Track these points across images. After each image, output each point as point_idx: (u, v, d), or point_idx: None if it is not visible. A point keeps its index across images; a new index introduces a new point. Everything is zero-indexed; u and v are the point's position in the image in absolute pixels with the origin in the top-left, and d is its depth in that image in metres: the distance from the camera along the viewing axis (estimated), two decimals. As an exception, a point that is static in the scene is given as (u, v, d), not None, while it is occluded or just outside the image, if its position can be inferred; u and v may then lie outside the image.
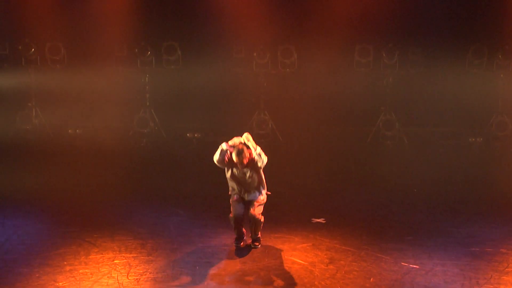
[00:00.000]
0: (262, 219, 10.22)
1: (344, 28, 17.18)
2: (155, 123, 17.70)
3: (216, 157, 10.10)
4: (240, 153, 9.80)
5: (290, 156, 16.33)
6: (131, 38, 17.52)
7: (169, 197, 13.31)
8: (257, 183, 10.15)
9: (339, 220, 11.80)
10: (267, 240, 10.60)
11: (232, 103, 17.68)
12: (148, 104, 17.82)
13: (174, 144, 17.39)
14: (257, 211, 10.13)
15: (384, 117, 17.30)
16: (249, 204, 10.18)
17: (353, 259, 9.98)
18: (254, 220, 10.14)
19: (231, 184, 10.25)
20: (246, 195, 10.20)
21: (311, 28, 17.32)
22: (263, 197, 10.24)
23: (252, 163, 9.96)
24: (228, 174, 10.19)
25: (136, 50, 17.42)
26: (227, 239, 10.54)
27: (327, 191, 13.77)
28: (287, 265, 9.74)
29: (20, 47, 17.44)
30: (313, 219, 11.80)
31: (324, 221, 11.69)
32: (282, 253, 10.14)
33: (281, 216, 11.86)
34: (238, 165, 9.91)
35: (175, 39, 17.44)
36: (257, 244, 10.33)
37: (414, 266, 9.72)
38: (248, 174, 10.05)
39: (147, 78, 17.77)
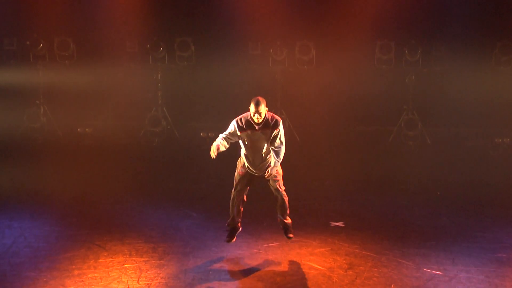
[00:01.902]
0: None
1: (365, 24, 17.16)
2: (168, 122, 17.75)
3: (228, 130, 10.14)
4: (258, 103, 9.70)
5: (308, 157, 16.34)
6: (143, 34, 17.58)
7: (181, 198, 13.34)
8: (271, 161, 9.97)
9: (358, 224, 11.79)
10: (284, 244, 10.61)
11: (248, 101, 17.61)
12: (160, 102, 17.87)
13: (187, 144, 17.43)
14: (282, 185, 10.12)
15: (406, 116, 17.27)
16: (262, 179, 10.07)
17: (373, 264, 9.97)
18: (281, 196, 10.15)
19: (243, 160, 10.09)
20: (258, 171, 10.04)
21: (330, 23, 17.32)
22: (280, 169, 10.13)
23: (270, 130, 9.77)
24: (243, 149, 10.03)
25: (148, 46, 17.47)
26: (242, 243, 10.54)
27: (346, 194, 13.76)
28: (304, 271, 9.74)
29: (28, 43, 17.51)
30: (331, 222, 11.80)
31: (343, 225, 11.68)
32: (299, 258, 10.15)
33: (298, 219, 11.83)
34: (254, 119, 9.75)
35: (188, 35, 17.48)
36: (291, 235, 10.29)
37: (437, 272, 9.70)
38: (264, 146, 9.85)
39: (159, 75, 17.82)
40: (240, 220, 10.31)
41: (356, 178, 15.01)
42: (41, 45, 17.54)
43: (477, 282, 9.39)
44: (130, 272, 9.67)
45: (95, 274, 9.58)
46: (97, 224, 11.69)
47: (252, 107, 9.74)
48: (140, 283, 9.32)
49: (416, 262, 10.04)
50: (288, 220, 10.31)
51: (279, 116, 10.02)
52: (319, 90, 17.64)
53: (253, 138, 9.85)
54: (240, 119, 9.94)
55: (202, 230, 11.39)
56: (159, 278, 9.46)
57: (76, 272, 9.65)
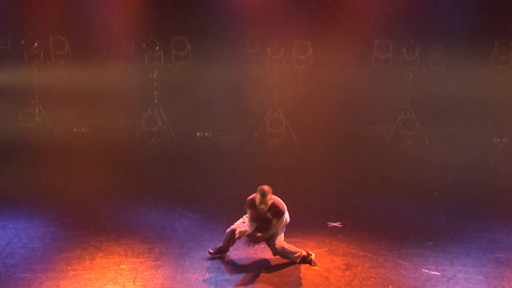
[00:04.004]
0: (286, 245, 9.99)
1: (362, 22, 17.16)
2: (164, 122, 17.74)
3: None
4: (264, 194, 9.58)
5: (305, 157, 16.34)
6: (139, 32, 17.54)
7: (178, 199, 13.33)
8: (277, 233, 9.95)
9: (356, 224, 11.80)
10: (281, 245, 10.61)
11: (245, 101, 17.71)
12: (156, 101, 17.86)
13: (184, 144, 17.43)
14: (278, 242, 9.91)
15: (404, 116, 17.28)
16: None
17: (370, 265, 9.98)
18: (282, 253, 9.97)
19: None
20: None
21: (328, 22, 17.30)
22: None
23: (276, 213, 9.80)
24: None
25: (144, 45, 17.44)
26: (239, 244, 10.53)
27: (343, 194, 13.76)
28: (301, 271, 9.75)
29: (22, 42, 17.46)
30: (329, 223, 11.81)
31: (340, 225, 11.69)
32: (296, 259, 10.16)
33: (295, 219, 11.80)
34: (259, 208, 9.73)
35: (184, 34, 17.46)
36: (310, 258, 10.09)
37: (435, 273, 9.72)
38: (270, 221, 9.87)
39: (155, 75, 17.80)
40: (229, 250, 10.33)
41: (354, 178, 15.01)
42: (36, 44, 17.49)
43: (475, 282, 9.41)
44: (126, 273, 9.68)
45: (91, 275, 9.59)
46: (92, 224, 11.69)
47: (258, 197, 9.67)
48: (136, 284, 9.33)
49: (414, 262, 10.06)
50: (300, 255, 10.08)
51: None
52: (316, 90, 17.64)
53: (259, 217, 9.91)
54: (249, 208, 9.91)
55: (199, 231, 11.40)
56: (155, 279, 9.48)
57: (71, 273, 9.66)
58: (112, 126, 18.00)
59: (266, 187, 9.63)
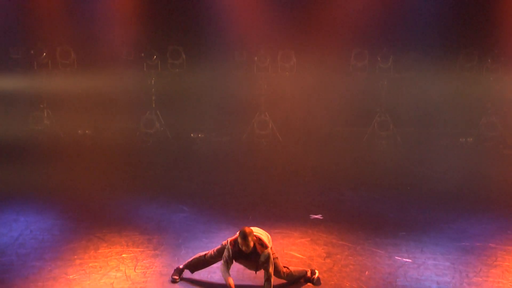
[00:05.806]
0: (292, 268, 9.24)
1: (341, 34, 17.18)
2: (161, 124, 17.71)
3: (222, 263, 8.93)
4: (245, 237, 8.61)
5: (289, 155, 16.34)
6: (138, 43, 17.53)
7: (174, 194, 13.31)
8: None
9: (336, 216, 11.84)
10: (268, 235, 10.64)
11: (234, 105, 17.70)
12: (154, 105, 17.82)
13: (179, 144, 17.40)
14: (280, 269, 9.04)
15: (379, 118, 17.31)
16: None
17: (349, 253, 10.03)
18: (289, 278, 9.15)
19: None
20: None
21: (310, 33, 17.32)
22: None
23: (265, 255, 8.70)
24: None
25: (143, 54, 17.41)
26: (230, 235, 10.56)
27: (325, 189, 13.77)
28: (286, 259, 9.78)
29: (32, 52, 17.42)
30: (311, 215, 11.84)
31: (321, 217, 11.73)
32: (281, 248, 10.19)
33: (281, 212, 11.90)
34: (242, 250, 8.70)
35: (179, 44, 17.44)
36: (314, 277, 9.27)
37: (407, 260, 9.79)
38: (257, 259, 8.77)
39: (153, 81, 17.76)
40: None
41: (334, 174, 15.01)
42: (44, 54, 17.44)
43: (443, 268, 9.48)
44: (127, 261, 9.71)
45: (95, 263, 9.62)
46: (97, 217, 11.70)
47: (239, 239, 8.66)
48: (136, 271, 9.36)
49: (388, 251, 10.12)
50: (302, 279, 9.23)
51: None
52: (299, 94, 17.64)
53: (246, 264, 9.01)
54: (233, 248, 8.80)
55: (193, 223, 11.42)
56: (154, 267, 9.51)
57: (77, 261, 9.68)
58: (114, 128, 17.94)
59: (247, 229, 8.62)
